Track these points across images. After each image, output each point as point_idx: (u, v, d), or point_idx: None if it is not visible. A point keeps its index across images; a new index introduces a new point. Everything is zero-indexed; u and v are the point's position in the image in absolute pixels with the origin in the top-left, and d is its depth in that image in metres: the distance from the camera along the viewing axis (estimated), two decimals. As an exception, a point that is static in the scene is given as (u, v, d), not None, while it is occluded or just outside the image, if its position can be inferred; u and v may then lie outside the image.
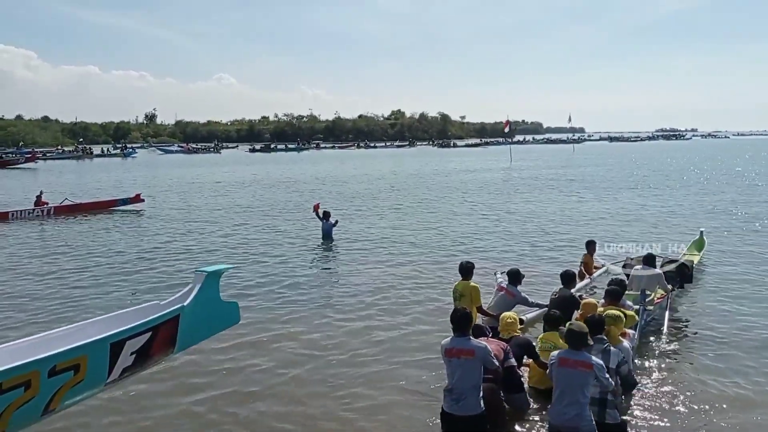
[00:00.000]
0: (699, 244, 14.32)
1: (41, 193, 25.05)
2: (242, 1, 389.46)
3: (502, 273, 10.04)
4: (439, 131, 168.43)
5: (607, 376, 5.83)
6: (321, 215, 17.61)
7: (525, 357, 7.09)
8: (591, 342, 6.18)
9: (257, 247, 16.81)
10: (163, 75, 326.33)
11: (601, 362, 5.83)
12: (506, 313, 7.52)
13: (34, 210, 23.71)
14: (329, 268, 14.54)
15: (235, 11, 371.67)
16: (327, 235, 17.37)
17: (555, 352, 6.05)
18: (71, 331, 5.21)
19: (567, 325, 6.21)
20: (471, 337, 6.05)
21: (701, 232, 14.97)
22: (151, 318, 5.09)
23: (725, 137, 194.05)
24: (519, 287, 9.00)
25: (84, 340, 4.71)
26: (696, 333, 9.42)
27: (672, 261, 11.17)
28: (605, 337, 6.47)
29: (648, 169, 47.55)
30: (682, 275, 10.83)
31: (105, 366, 4.74)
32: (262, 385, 7.69)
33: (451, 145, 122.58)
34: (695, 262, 12.46)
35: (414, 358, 8.50)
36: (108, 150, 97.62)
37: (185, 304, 5.34)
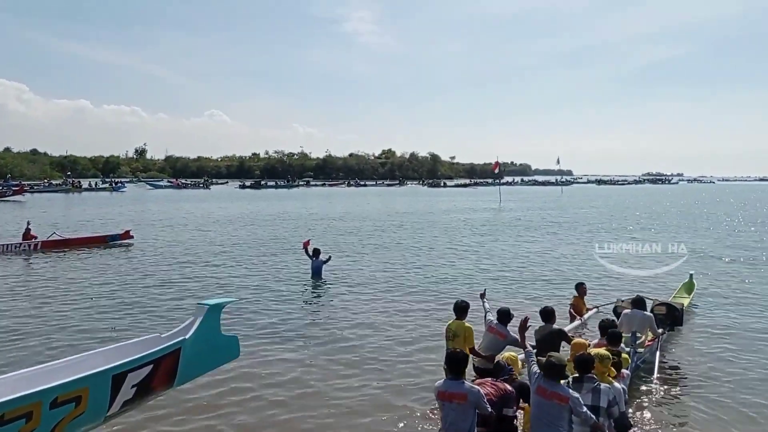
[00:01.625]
0: (688, 287, 14.46)
1: (29, 225, 24.83)
2: (237, 40, 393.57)
3: (489, 306, 9.95)
4: (429, 171, 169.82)
5: (585, 410, 5.85)
6: (311, 253, 17.58)
7: (521, 401, 7.04)
8: (568, 374, 6.24)
9: (246, 284, 16.70)
10: (155, 110, 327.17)
11: (577, 396, 5.86)
12: (509, 353, 7.49)
13: (21, 244, 23.43)
14: (317, 307, 14.47)
15: (230, 50, 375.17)
16: (316, 273, 17.30)
17: (535, 373, 6.07)
18: (72, 363, 5.18)
19: (547, 356, 6.24)
20: (465, 381, 6.03)
21: (690, 275, 15.13)
22: (152, 351, 5.07)
23: (710, 182, 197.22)
24: (509, 326, 8.98)
25: (85, 371, 4.70)
26: (687, 376, 9.47)
27: (662, 303, 11.29)
28: (596, 377, 6.50)
29: (636, 213, 48.00)
30: (672, 318, 10.91)
31: (106, 398, 4.72)
32: (246, 424, 7.63)
33: (441, 184, 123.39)
34: (685, 304, 12.57)
35: (402, 396, 8.48)
36: (96, 184, 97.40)
37: (186, 337, 5.33)
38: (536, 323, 9.03)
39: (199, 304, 5.71)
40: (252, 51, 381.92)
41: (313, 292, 15.96)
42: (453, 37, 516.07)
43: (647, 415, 7.88)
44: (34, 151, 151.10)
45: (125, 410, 5.02)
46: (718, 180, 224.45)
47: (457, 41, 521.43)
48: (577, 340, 8.35)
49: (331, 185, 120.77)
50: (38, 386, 4.44)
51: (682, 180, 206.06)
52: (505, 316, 8.83)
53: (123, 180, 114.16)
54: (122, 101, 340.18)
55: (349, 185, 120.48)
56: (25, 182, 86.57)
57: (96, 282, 16.98)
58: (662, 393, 8.65)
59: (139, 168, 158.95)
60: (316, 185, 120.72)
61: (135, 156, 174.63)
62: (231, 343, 5.91)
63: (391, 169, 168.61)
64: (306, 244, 17.99)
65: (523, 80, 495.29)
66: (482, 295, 10.06)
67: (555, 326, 8.85)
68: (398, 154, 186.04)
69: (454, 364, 6.02)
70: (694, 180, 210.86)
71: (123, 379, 4.80)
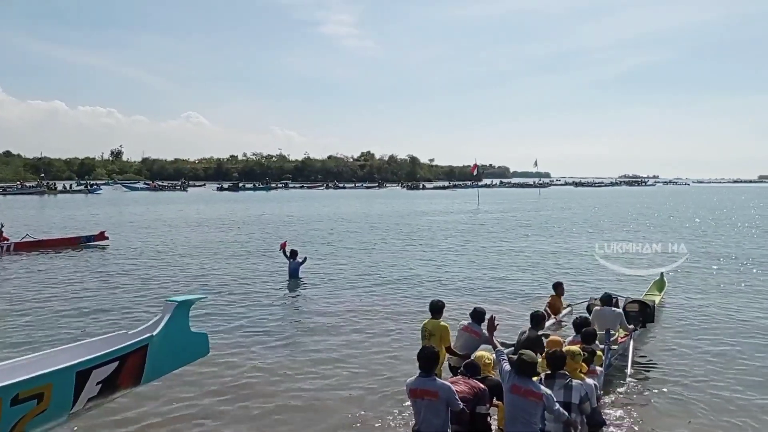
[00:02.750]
0: (659, 285, 14.63)
1: (1, 227, 24.40)
2: (216, 43, 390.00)
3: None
4: (408, 173, 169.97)
5: (558, 407, 5.89)
6: (288, 254, 17.54)
7: (495, 398, 7.03)
8: (540, 371, 6.26)
9: (222, 285, 16.60)
10: (132, 112, 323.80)
11: (550, 393, 5.90)
12: (484, 353, 7.46)
13: (-7, 245, 23.10)
14: (294, 307, 14.42)
15: (209, 53, 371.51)
16: (293, 274, 17.28)
17: (507, 372, 6.09)
18: (36, 359, 5.09)
19: (519, 354, 6.26)
20: (436, 378, 6.03)
21: (661, 273, 15.32)
22: (118, 347, 5.00)
23: (686, 184, 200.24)
24: (482, 326, 8.97)
25: (49, 368, 4.61)
26: (659, 372, 9.58)
27: (635, 301, 11.41)
28: (567, 373, 6.52)
29: (612, 214, 48.51)
30: (644, 315, 11.04)
31: (70, 395, 4.64)
32: (215, 422, 7.56)
33: (420, 187, 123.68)
34: (657, 301, 12.72)
35: (375, 394, 8.51)
36: (72, 186, 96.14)
37: (154, 334, 5.27)
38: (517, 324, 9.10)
39: (167, 300, 5.65)
40: (230, 54, 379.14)
41: (289, 293, 15.89)
42: (433, 41, 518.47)
43: (621, 410, 7.95)
44: (8, 153, 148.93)
45: (90, 407, 4.94)
46: (693, 182, 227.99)
47: (437, 46, 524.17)
48: (552, 337, 8.38)
49: (309, 188, 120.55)
50: (-1, 383, 4.34)
51: (658, 182, 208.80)
52: (479, 315, 8.85)
53: (99, 182, 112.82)
54: (98, 103, 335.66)
55: (327, 188, 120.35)
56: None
57: (69, 282, 16.78)
58: (635, 388, 8.74)
59: (116, 170, 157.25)
60: (294, 188, 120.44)
61: (111, 158, 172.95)
62: (200, 341, 5.85)
63: (370, 172, 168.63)
64: (283, 246, 18.00)
65: (503, 85, 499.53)
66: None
67: (540, 332, 8.84)
68: (377, 156, 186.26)
69: (426, 360, 6.02)
70: (670, 182, 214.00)
71: (88, 376, 4.72)
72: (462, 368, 6.83)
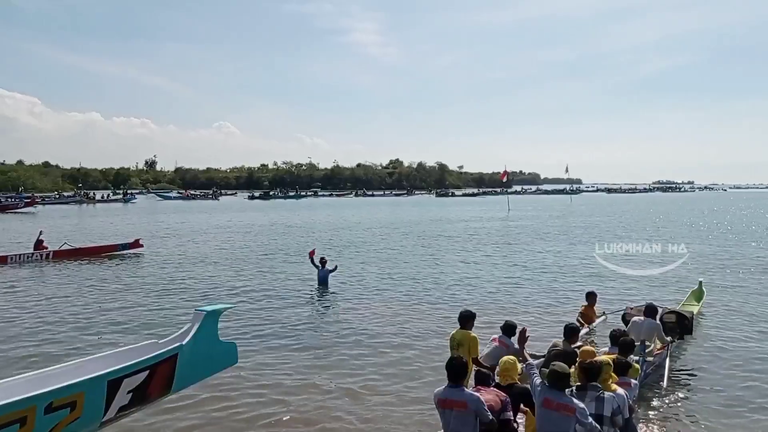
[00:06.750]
0: (698, 295, 14.27)
1: (41, 235, 24.91)
2: (244, 53, 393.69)
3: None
4: (436, 180, 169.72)
5: (591, 420, 5.76)
6: (316, 262, 17.55)
7: (521, 405, 6.91)
8: (572, 384, 6.15)
9: (252, 293, 16.68)
10: (165, 122, 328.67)
11: (583, 406, 5.77)
12: (507, 357, 7.35)
13: (33, 254, 23.55)
14: (323, 316, 14.41)
15: (237, 62, 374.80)
16: (323, 282, 17.28)
17: (538, 385, 5.99)
18: (69, 369, 5.16)
19: (550, 365, 6.15)
20: (464, 388, 5.97)
21: (700, 282, 14.93)
22: (148, 356, 5.05)
23: (723, 190, 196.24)
24: (513, 339, 8.87)
25: (81, 377, 4.67)
26: (697, 386, 9.32)
27: (671, 311, 11.14)
28: (600, 385, 6.39)
29: (646, 220, 47.70)
30: (682, 326, 10.75)
31: (101, 404, 4.69)
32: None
33: (450, 194, 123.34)
34: (695, 312, 12.40)
35: (403, 405, 8.45)
36: (109, 195, 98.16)
37: (183, 343, 5.31)
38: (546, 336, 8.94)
39: (196, 310, 5.69)
40: (258, 63, 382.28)
41: (318, 302, 15.91)
42: (455, 47, 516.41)
43: (656, 424, 7.78)
44: (46, 164, 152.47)
45: (121, 416, 4.99)
46: (730, 188, 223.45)
47: (460, 51, 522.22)
48: (584, 347, 8.21)
49: (338, 195, 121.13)
50: (33, 391, 4.40)
51: (694, 188, 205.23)
52: (509, 329, 8.79)
53: (134, 191, 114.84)
54: (132, 113, 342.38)
55: (356, 195, 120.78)
56: (37, 194, 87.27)
57: (104, 290, 17.06)
58: (672, 402, 8.53)
59: (150, 179, 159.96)
60: (324, 195, 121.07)
61: (145, 168, 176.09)
62: (229, 350, 5.88)
63: (399, 179, 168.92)
64: (312, 254, 17.96)
65: (530, 90, 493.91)
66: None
67: (572, 347, 8.66)
68: (406, 164, 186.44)
69: (454, 371, 5.96)
70: (705, 188, 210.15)
71: (119, 385, 4.77)
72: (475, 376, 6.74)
